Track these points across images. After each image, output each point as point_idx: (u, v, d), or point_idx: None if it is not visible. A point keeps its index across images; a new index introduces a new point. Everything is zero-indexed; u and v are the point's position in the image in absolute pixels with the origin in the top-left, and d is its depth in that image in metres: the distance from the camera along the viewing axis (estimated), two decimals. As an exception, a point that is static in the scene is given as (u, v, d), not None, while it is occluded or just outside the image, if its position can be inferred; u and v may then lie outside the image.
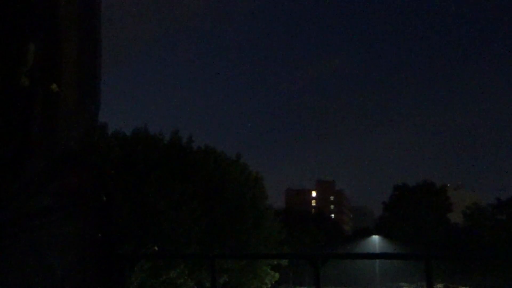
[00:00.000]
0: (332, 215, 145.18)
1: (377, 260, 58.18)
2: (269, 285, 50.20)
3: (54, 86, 2.36)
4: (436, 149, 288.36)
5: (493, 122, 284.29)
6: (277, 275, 50.36)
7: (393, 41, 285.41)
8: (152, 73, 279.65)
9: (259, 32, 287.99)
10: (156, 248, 38.72)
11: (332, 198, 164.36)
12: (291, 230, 63.50)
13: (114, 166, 35.48)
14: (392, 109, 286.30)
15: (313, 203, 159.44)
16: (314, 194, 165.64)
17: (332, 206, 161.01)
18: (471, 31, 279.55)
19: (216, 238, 42.25)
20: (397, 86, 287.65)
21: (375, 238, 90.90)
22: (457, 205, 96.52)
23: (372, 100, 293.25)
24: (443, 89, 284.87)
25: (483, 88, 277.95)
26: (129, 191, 36.13)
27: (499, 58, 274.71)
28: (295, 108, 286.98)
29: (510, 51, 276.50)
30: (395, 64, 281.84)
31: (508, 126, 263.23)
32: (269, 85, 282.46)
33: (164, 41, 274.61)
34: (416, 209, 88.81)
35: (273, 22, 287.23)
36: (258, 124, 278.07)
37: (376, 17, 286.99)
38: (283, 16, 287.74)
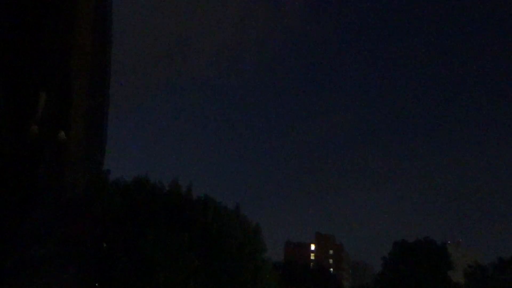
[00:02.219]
0: (331, 269, 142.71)
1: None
2: None
3: (61, 134, 2.40)
4: (437, 206, 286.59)
5: (491, 180, 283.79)
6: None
7: (396, 100, 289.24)
8: (154, 122, 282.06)
9: (264, 85, 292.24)
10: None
11: (331, 252, 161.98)
12: (290, 284, 62.33)
13: (115, 215, 35.29)
14: (393, 167, 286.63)
15: (312, 256, 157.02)
16: (313, 247, 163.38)
17: (331, 260, 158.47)
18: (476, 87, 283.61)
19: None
20: (398, 144, 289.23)
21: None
22: (458, 263, 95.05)
23: (374, 157, 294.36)
24: (441, 149, 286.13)
25: (480, 146, 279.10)
26: (128, 240, 35.75)
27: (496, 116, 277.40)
28: (297, 162, 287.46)
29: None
30: (397, 124, 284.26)
31: (507, 184, 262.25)
32: (271, 138, 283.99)
33: (167, 92, 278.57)
34: (416, 266, 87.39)
35: (279, 77, 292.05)
36: (259, 176, 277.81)
37: (378, 75, 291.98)
38: (289, 71, 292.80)
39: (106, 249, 34.47)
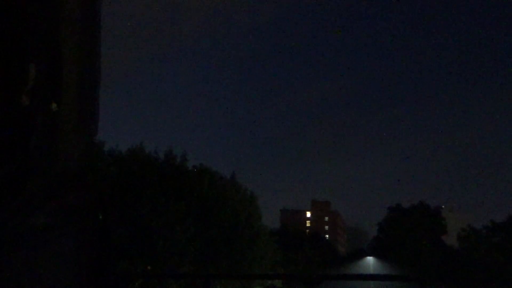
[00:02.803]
0: (327, 236, 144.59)
1: (371, 282, 58.43)
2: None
3: (54, 105, 2.38)
4: (431, 170, 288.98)
5: (487, 143, 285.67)
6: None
7: (388, 62, 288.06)
8: (147, 91, 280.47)
9: (256, 51, 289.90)
10: (149, 267, 38.48)
11: (326, 218, 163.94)
12: (286, 251, 63.20)
13: (110, 185, 35.44)
14: (386, 131, 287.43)
15: (308, 223, 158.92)
16: (308, 214, 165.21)
17: (326, 227, 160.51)
18: (465, 63, 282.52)
19: (210, 258, 42.03)
20: (391, 109, 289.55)
21: (370, 259, 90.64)
22: (451, 227, 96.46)
23: (367, 122, 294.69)
24: (436, 112, 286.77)
25: (476, 112, 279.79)
26: (124, 210, 36.03)
27: (493, 84, 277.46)
28: (291, 129, 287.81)
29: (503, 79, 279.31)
30: (390, 87, 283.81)
31: (500, 147, 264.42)
32: (264, 106, 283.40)
33: (160, 60, 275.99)
34: (411, 231, 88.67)
35: (272, 42, 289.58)
36: (254, 144, 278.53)
37: (369, 42, 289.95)
38: (281, 39, 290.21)
39: (102, 219, 34.72)
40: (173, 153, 45.99)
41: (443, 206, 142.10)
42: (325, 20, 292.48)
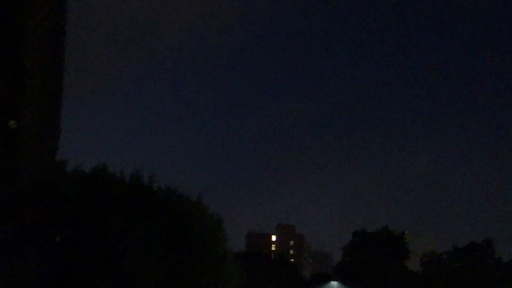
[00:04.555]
0: (292, 260, 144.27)
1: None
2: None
3: (11, 122, 2.32)
4: (395, 196, 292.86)
5: (450, 170, 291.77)
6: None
7: (355, 90, 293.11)
8: (114, 111, 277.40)
9: (225, 74, 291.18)
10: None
11: (292, 242, 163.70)
12: (251, 275, 62.73)
13: (73, 204, 34.62)
14: (353, 156, 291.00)
15: (273, 247, 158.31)
16: (274, 238, 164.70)
17: (291, 251, 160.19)
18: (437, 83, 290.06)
19: (176, 280, 41.31)
20: (357, 133, 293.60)
21: (334, 283, 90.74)
22: (414, 252, 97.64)
23: (333, 146, 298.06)
24: (400, 139, 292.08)
25: (438, 139, 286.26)
26: (89, 230, 35.21)
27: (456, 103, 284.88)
28: (258, 153, 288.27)
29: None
30: (358, 111, 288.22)
31: (464, 173, 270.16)
32: (231, 129, 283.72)
33: (127, 80, 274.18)
34: (375, 255, 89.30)
35: (240, 68, 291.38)
36: (220, 167, 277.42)
37: (339, 64, 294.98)
38: (247, 65, 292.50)
39: (60, 241, 33.85)
40: (139, 173, 45.34)
41: (406, 231, 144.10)
42: (294, 45, 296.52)
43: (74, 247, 33.97)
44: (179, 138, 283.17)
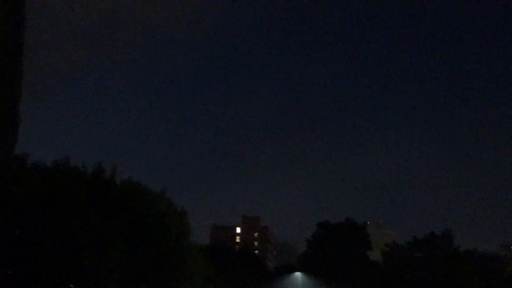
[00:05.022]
0: (257, 251, 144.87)
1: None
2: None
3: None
4: (358, 187, 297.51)
5: (414, 161, 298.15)
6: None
7: (317, 83, 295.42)
8: (76, 104, 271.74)
9: (190, 66, 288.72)
10: (72, 286, 36.85)
11: (256, 234, 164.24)
12: (216, 267, 62.70)
13: (34, 199, 33.68)
14: (316, 148, 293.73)
15: (238, 239, 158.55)
16: (238, 230, 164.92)
17: (256, 243, 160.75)
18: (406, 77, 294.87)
19: (139, 275, 40.86)
20: (321, 126, 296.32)
21: (298, 274, 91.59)
22: (377, 242, 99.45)
23: (298, 140, 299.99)
24: (363, 131, 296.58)
25: (402, 130, 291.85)
26: (50, 225, 34.36)
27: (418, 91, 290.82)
28: (223, 146, 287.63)
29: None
30: (320, 103, 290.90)
31: (428, 166, 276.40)
32: (195, 121, 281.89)
33: (89, 72, 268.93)
34: (338, 246, 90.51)
35: (207, 59, 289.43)
36: (184, 160, 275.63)
37: (300, 61, 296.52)
38: (218, 53, 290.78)
39: (18, 235, 32.99)
40: (102, 166, 44.49)
41: (368, 223, 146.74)
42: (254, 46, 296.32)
43: (34, 244, 33.13)
44: (144, 131, 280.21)
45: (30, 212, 33.19)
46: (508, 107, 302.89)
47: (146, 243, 42.55)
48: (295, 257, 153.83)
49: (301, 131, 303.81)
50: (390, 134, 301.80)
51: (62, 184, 38.19)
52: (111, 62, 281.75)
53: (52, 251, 33.46)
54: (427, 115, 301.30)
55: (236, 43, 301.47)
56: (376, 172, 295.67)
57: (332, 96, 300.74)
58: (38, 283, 33.77)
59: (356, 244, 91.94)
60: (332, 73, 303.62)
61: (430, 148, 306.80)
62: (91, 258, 35.65)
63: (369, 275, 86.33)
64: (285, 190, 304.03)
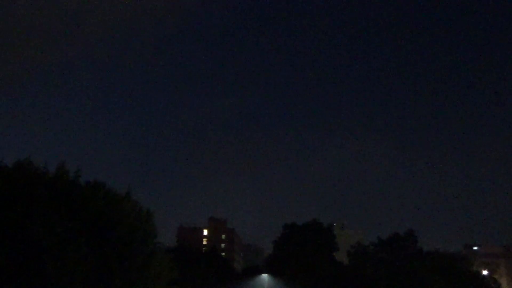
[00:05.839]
0: (223, 253, 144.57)
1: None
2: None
3: None
4: (324, 188, 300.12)
5: (378, 161, 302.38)
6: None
7: (276, 84, 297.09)
8: (38, 103, 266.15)
9: (157, 67, 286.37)
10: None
11: (223, 236, 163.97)
12: (182, 269, 62.23)
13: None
14: (282, 150, 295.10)
15: (205, 241, 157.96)
16: (205, 232, 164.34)
17: (223, 245, 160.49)
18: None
19: (103, 277, 40.21)
20: (287, 128, 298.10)
21: (265, 276, 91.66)
22: (343, 244, 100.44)
23: (263, 140, 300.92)
24: (329, 134, 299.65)
25: (362, 131, 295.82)
26: (9, 226, 33.53)
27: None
28: (189, 145, 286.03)
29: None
30: (285, 107, 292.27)
31: (392, 166, 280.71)
32: (161, 121, 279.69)
33: (53, 70, 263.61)
34: (304, 247, 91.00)
35: (173, 59, 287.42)
36: (151, 160, 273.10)
37: (261, 61, 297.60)
38: (184, 54, 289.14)
39: None
40: (65, 167, 43.72)
41: (335, 224, 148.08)
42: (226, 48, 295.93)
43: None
44: (108, 132, 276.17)
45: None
46: (464, 104, 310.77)
47: (110, 244, 41.94)
48: (261, 259, 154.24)
49: (267, 133, 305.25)
50: (354, 134, 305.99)
51: (23, 185, 37.36)
52: (74, 59, 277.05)
53: (11, 254, 32.66)
54: (391, 116, 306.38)
55: (201, 40, 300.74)
56: (340, 173, 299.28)
57: (297, 97, 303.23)
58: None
59: (322, 246, 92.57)
60: (298, 74, 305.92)
61: (395, 148, 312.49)
62: (53, 260, 34.93)
63: (336, 276, 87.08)
64: (251, 192, 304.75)
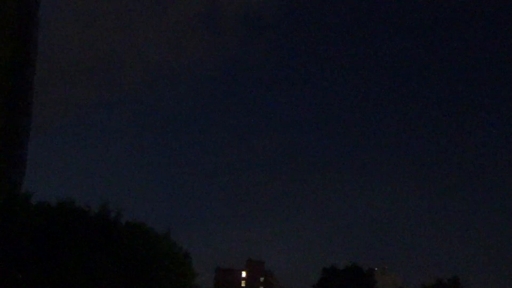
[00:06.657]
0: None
1: None
2: None
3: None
4: (364, 232, 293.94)
5: (419, 206, 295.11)
6: None
7: (321, 125, 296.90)
8: (82, 143, 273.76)
9: (196, 108, 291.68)
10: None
11: (262, 279, 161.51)
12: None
13: (33, 237, 33.63)
14: (322, 192, 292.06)
15: (243, 283, 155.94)
16: (244, 274, 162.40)
17: (261, 287, 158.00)
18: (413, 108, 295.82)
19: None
20: (326, 170, 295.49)
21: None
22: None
23: (302, 183, 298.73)
24: (366, 175, 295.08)
25: (403, 174, 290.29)
26: (47, 262, 34.12)
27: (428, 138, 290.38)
28: (228, 188, 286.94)
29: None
30: (324, 146, 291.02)
31: (433, 210, 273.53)
32: (201, 164, 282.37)
33: (95, 111, 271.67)
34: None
35: (212, 100, 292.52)
36: (190, 201, 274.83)
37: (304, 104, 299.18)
38: (223, 94, 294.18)
39: (20, 278, 32.79)
40: (107, 207, 44.52)
41: (376, 269, 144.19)
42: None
43: (30, 283, 32.92)
44: (149, 172, 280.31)
45: (29, 251, 33.09)
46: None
47: (145, 283, 42.00)
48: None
49: (307, 174, 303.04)
50: (392, 178, 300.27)
51: (63, 223, 38.18)
52: (115, 100, 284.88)
53: (45, 286, 33.12)
54: (433, 158, 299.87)
55: (239, 84, 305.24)
56: (381, 216, 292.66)
57: (336, 138, 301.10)
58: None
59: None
60: (335, 118, 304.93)
61: (436, 193, 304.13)
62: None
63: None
64: (289, 234, 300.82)
